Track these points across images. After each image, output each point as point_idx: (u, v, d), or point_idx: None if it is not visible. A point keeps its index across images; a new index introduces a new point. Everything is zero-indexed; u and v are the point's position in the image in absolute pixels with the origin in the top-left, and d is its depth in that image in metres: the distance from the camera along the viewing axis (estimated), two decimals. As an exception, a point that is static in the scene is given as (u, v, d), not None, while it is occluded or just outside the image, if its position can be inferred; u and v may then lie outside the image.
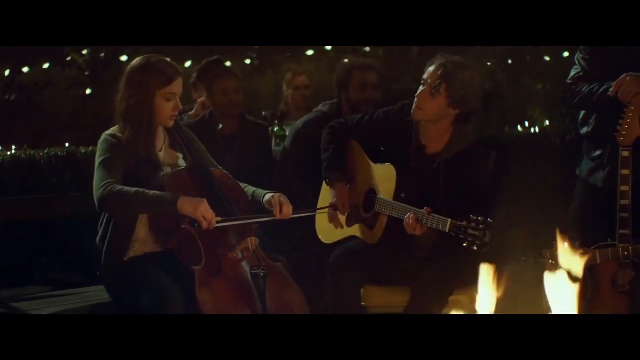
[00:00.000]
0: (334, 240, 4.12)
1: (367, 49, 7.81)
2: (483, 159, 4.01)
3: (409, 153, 3.94)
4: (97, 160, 3.54)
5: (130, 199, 3.43)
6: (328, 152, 4.11)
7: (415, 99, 3.88)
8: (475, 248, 3.52)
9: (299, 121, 5.01)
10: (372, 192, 4.03)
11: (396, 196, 3.88)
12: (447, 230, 3.59)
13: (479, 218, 3.53)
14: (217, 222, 3.48)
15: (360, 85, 4.73)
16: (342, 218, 4.12)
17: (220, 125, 4.85)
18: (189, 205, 3.43)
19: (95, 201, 3.48)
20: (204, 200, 3.47)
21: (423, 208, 3.70)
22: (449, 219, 3.60)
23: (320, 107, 4.96)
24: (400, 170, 3.92)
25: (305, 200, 4.32)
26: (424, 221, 3.68)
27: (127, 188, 3.45)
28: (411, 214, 3.71)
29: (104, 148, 3.57)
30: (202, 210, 3.44)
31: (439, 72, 3.81)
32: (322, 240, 4.21)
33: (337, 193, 4.04)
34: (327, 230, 4.20)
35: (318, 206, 4.23)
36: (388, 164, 3.96)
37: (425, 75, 3.87)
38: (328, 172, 4.09)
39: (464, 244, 3.54)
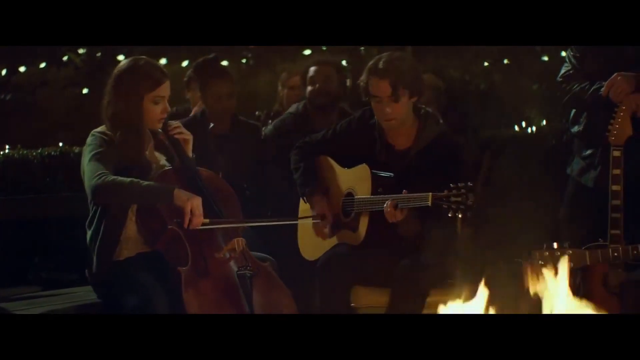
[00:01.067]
0: (320, 255, 4.10)
1: (363, 49, 7.80)
2: (454, 146, 4.00)
3: (379, 153, 3.98)
4: (89, 154, 3.53)
5: (125, 188, 3.42)
6: (299, 171, 4.16)
7: (381, 115, 3.89)
8: (460, 215, 3.53)
9: (269, 126, 5.06)
10: (349, 196, 4.05)
11: (373, 192, 3.91)
12: (429, 204, 3.60)
13: (459, 184, 3.54)
14: (204, 224, 3.47)
15: (310, 80, 4.86)
16: (327, 230, 4.10)
17: (212, 125, 4.83)
18: (184, 195, 3.44)
19: (89, 192, 3.47)
20: (200, 198, 3.47)
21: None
22: (430, 193, 3.61)
23: (289, 109, 5.02)
24: (374, 168, 3.95)
25: (290, 201, 4.32)
26: (404, 204, 3.70)
27: (121, 178, 3.44)
28: (388, 201, 3.74)
29: (96, 143, 3.56)
30: (194, 204, 3.44)
31: (390, 79, 3.83)
32: (308, 259, 4.19)
33: (317, 204, 4.06)
34: (310, 247, 4.19)
35: (299, 229, 4.25)
36: (362, 165, 3.99)
37: (374, 92, 3.88)
38: (303, 188, 4.13)
39: (450, 214, 3.55)
